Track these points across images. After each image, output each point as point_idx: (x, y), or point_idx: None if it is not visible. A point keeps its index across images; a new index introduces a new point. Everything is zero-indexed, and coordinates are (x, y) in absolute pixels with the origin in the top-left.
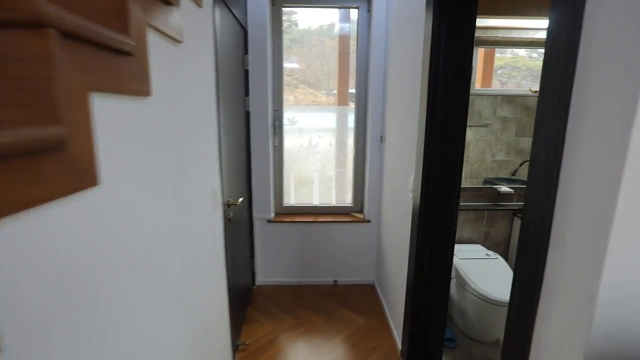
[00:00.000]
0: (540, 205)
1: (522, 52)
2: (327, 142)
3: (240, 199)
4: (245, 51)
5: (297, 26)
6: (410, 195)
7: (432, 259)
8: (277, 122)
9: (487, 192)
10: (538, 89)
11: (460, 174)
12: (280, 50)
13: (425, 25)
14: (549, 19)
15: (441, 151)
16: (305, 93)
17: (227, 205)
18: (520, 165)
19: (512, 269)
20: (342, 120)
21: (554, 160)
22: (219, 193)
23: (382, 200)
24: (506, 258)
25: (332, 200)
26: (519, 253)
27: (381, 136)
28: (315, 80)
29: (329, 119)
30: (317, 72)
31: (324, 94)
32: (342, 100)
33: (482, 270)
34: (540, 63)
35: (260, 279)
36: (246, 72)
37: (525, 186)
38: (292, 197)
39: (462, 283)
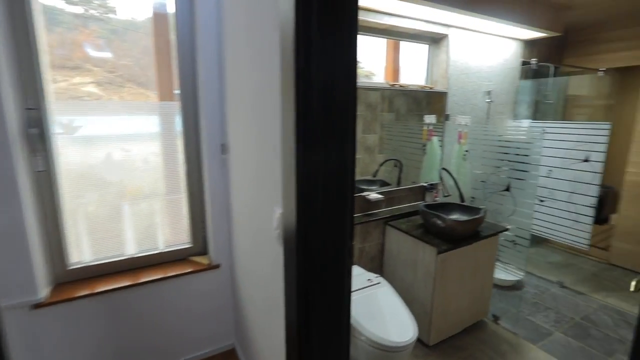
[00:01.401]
0: None
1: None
2: (144, 155)
3: None
4: None
5: (115, 14)
6: (275, 226)
7: (321, 301)
8: (36, 131)
9: (356, 203)
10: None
11: (352, 190)
12: (26, 17)
13: None
14: None
15: (322, 160)
16: (135, 93)
17: None
18: (381, 164)
19: (394, 289)
20: (168, 122)
21: None
22: None
23: (232, 232)
24: (381, 272)
25: (158, 244)
26: None
27: (222, 144)
28: (145, 79)
29: (145, 120)
30: (146, 68)
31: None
32: (165, 93)
33: (370, 307)
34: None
35: None
36: None
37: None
38: (87, 251)
39: (352, 330)
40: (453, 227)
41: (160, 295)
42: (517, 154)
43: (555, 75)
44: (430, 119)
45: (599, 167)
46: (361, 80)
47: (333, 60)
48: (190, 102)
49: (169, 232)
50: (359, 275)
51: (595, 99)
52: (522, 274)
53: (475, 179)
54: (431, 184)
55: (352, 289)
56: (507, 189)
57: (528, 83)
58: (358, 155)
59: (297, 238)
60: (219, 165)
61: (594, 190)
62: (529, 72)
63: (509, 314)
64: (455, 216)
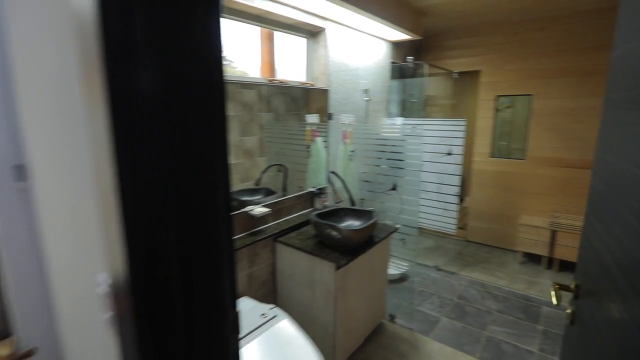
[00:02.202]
0: None
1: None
2: None
3: None
4: None
5: None
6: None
7: None
8: None
9: (238, 222)
10: None
11: (229, 232)
12: None
13: None
14: None
15: (170, 193)
16: None
17: None
18: (264, 172)
19: (292, 318)
20: None
21: None
22: None
23: (54, 297)
24: (275, 297)
25: None
26: None
27: (17, 166)
28: None
29: None
30: None
31: None
32: None
33: (267, 354)
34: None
35: None
36: None
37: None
38: None
39: None
40: (350, 237)
41: None
42: (394, 152)
43: (415, 76)
44: (312, 118)
45: (459, 159)
46: (233, 75)
47: (184, 41)
48: None
49: None
50: (251, 311)
51: (444, 99)
52: (406, 266)
53: (360, 179)
54: (319, 189)
55: (244, 331)
56: (394, 188)
57: (396, 83)
58: (237, 160)
59: (136, 327)
60: (15, 199)
61: (457, 180)
62: (395, 71)
63: (402, 308)
64: (348, 222)
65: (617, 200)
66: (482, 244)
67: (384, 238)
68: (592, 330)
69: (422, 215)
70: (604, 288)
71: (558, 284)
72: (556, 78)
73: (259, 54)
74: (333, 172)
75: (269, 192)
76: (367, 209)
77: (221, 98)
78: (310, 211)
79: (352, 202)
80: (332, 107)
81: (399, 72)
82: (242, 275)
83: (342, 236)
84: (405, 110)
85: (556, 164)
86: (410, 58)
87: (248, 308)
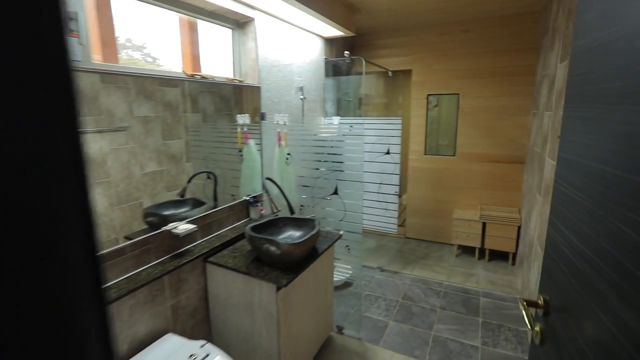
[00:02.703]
0: None
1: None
2: None
3: None
4: None
5: None
6: None
7: None
8: None
9: (158, 243)
10: None
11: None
12: None
13: None
14: None
15: None
16: None
17: None
18: (189, 181)
19: (228, 355)
20: None
21: None
22: None
23: None
24: (208, 329)
25: None
26: None
27: None
28: None
29: None
30: None
31: None
32: None
33: None
34: None
35: None
36: None
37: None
38: None
39: None
40: (290, 252)
41: None
42: (333, 153)
43: (350, 73)
44: (243, 118)
45: (398, 158)
46: (145, 68)
47: None
48: None
49: None
50: (177, 352)
51: (379, 98)
52: (350, 270)
53: (300, 184)
54: (254, 197)
55: None
56: (335, 192)
57: (331, 81)
58: (162, 167)
59: None
60: None
61: (396, 179)
62: (330, 69)
63: (349, 317)
64: (288, 233)
65: (600, 208)
66: (420, 239)
67: (328, 247)
68: (572, 353)
69: (365, 216)
70: (585, 304)
71: (525, 300)
72: (480, 78)
73: (178, 46)
74: (269, 179)
75: (197, 203)
76: (308, 216)
77: (69, 97)
78: (245, 222)
79: (292, 211)
80: (265, 106)
81: (334, 69)
82: (164, 307)
83: (282, 252)
84: (341, 109)
85: (483, 159)
86: (347, 53)
87: (173, 349)
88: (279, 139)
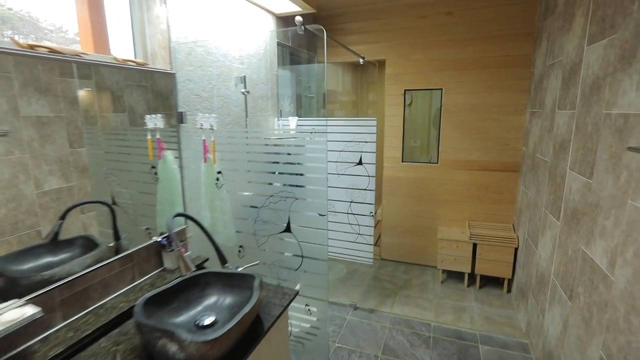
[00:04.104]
0: None
1: None
2: None
3: None
4: None
5: None
6: None
7: None
8: None
9: None
10: None
11: None
12: None
13: None
14: None
15: None
16: None
17: None
18: (63, 216)
19: None
20: None
21: None
22: None
23: None
24: None
25: None
26: None
27: None
28: None
29: None
30: None
31: None
32: None
33: None
34: None
35: None
36: None
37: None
38: None
39: None
40: (204, 354)
41: None
42: (288, 162)
43: (310, 62)
44: (154, 120)
45: (372, 169)
46: None
47: None
48: None
49: None
50: None
51: (347, 94)
52: (315, 312)
53: (238, 216)
54: (168, 237)
55: None
56: (288, 229)
57: (288, 72)
58: (70, 183)
59: None
60: None
61: (371, 197)
62: (286, 57)
63: None
64: (213, 300)
65: None
66: (398, 261)
67: (279, 316)
68: None
69: (332, 242)
70: None
71: None
72: (466, 70)
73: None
74: (183, 214)
75: (89, 246)
76: (246, 270)
77: None
78: (156, 275)
79: (222, 260)
80: (186, 103)
81: (292, 58)
82: None
83: (188, 354)
84: (302, 108)
85: (471, 167)
86: (299, 19)
87: None
88: (205, 151)
